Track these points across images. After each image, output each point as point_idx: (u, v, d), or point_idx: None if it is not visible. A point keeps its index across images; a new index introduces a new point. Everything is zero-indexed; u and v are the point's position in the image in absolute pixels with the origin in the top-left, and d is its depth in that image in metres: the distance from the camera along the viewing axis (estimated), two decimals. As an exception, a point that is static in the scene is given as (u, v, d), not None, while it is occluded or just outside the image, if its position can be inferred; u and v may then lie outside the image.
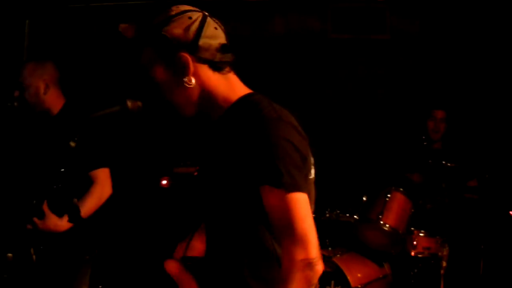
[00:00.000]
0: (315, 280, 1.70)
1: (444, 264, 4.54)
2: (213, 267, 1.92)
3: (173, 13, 1.87)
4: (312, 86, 5.90)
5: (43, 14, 5.26)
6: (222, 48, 1.88)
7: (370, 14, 5.89)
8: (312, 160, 1.88)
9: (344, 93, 5.97)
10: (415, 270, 4.78)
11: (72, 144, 1.96)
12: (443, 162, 4.74)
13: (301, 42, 5.93)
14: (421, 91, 5.82)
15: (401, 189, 4.78)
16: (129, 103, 2.02)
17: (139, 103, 2.04)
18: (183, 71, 1.86)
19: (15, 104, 3.33)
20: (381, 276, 4.64)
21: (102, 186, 3.30)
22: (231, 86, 1.92)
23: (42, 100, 3.38)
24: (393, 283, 4.78)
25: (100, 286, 3.85)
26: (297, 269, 1.67)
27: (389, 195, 4.70)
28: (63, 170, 3.04)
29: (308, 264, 1.67)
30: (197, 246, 2.13)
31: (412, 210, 4.75)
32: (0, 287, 2.52)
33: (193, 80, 1.87)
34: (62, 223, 3.13)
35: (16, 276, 3.00)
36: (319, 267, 1.70)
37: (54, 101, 3.41)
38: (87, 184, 3.27)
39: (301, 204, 1.71)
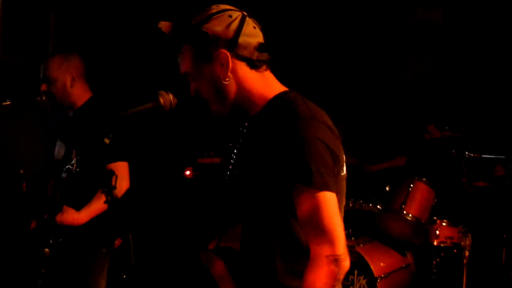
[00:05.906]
0: (342, 276, 1.75)
1: (467, 253, 4.54)
2: (247, 259, 1.97)
3: (214, 11, 1.92)
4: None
5: (69, 6, 5.27)
6: (260, 47, 1.93)
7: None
8: (344, 158, 1.90)
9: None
10: (438, 260, 4.79)
11: (107, 141, 1.99)
12: (466, 152, 4.73)
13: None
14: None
15: (424, 179, 4.80)
16: (161, 100, 2.02)
17: (171, 97, 2.04)
18: (222, 68, 1.90)
19: (44, 98, 3.33)
20: (403, 265, 4.67)
21: (120, 179, 3.25)
22: (267, 84, 1.96)
23: (69, 94, 3.38)
24: (416, 272, 4.80)
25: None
26: (324, 265, 1.72)
27: (412, 185, 4.71)
28: (75, 161, 2.99)
29: (335, 260, 1.72)
30: (231, 237, 2.18)
31: (435, 200, 4.76)
32: (39, 281, 2.56)
33: (231, 77, 1.91)
34: (80, 216, 3.14)
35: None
36: (346, 263, 1.75)
37: (80, 94, 3.41)
38: (106, 177, 3.26)
39: (330, 203, 1.76)
